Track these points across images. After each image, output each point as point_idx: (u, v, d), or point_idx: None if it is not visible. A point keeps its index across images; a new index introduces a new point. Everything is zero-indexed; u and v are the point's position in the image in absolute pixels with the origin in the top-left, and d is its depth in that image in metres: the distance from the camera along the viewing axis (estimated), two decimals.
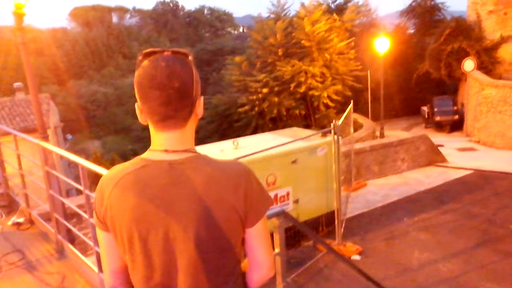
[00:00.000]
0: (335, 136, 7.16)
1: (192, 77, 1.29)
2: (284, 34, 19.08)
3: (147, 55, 1.29)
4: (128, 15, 52.44)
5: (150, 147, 1.34)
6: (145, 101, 1.27)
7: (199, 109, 1.35)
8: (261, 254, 1.37)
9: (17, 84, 18.60)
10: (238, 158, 6.26)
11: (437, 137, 15.72)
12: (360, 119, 17.05)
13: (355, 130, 14.21)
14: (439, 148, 12.92)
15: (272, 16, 21.97)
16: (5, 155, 5.79)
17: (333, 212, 7.41)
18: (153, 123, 1.31)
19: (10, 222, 5.00)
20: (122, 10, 51.88)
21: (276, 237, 2.32)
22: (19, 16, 5.46)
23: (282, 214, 2.34)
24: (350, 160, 10.19)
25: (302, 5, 20.55)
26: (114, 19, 51.96)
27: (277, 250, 2.35)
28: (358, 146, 11.23)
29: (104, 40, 45.97)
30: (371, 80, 18.28)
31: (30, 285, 3.75)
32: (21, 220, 4.98)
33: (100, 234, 1.40)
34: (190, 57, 1.32)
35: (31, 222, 4.99)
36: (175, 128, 1.30)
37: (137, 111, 1.32)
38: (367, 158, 11.22)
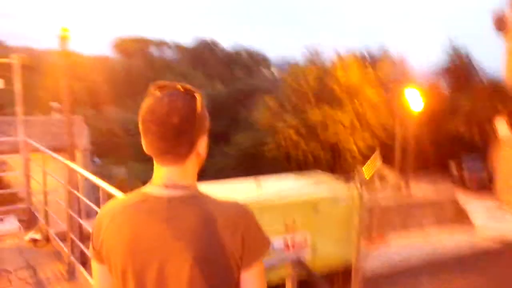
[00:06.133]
0: (359, 187, 7.05)
1: (194, 115, 1.28)
2: (317, 81, 19.31)
3: (156, 88, 1.30)
4: (167, 49, 54.28)
5: (151, 181, 1.33)
6: (144, 134, 1.28)
7: (201, 148, 1.34)
8: None
9: (54, 104, 19.17)
10: (259, 200, 6.22)
11: (464, 196, 15.25)
12: (387, 171, 16.79)
13: (381, 182, 13.97)
14: (467, 208, 12.51)
15: (307, 62, 22.31)
16: (33, 171, 5.91)
17: (351, 265, 7.18)
18: (153, 156, 1.31)
19: (27, 238, 5.03)
20: (161, 44, 53.78)
21: (288, 285, 2.22)
22: (63, 39, 5.71)
23: (298, 263, 2.25)
24: (373, 214, 9.96)
25: (337, 54, 20.85)
26: (154, 51, 53.85)
27: None
28: (382, 200, 11.00)
29: (142, 71, 47.49)
30: (401, 134, 18.12)
31: None
32: (38, 236, 5.01)
33: (95, 265, 1.38)
34: (197, 95, 1.31)
35: (47, 239, 5.01)
36: (173, 164, 1.30)
37: (142, 143, 1.32)
38: (391, 214, 10.96)
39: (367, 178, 7.46)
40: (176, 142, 1.26)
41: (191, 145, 1.29)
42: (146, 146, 1.29)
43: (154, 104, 1.26)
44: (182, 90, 1.29)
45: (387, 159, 17.17)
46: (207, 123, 1.34)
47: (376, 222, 10.06)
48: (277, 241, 6.89)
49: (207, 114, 1.35)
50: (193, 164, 1.33)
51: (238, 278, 1.29)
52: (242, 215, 1.29)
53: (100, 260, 1.34)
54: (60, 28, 5.72)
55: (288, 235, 6.99)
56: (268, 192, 6.85)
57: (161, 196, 1.27)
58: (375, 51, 24.44)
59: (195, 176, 1.36)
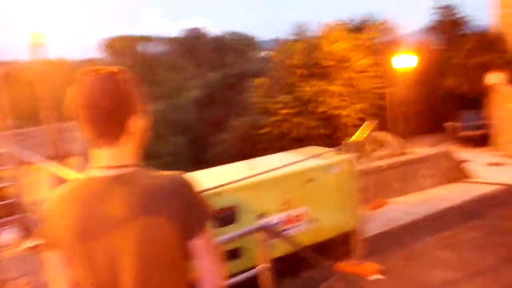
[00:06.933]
0: (348, 154, 7.11)
1: (123, 95, 1.33)
2: (303, 54, 19.21)
3: (83, 73, 1.35)
4: (155, 44, 53.92)
5: (90, 164, 1.37)
6: (78, 118, 1.32)
7: (136, 128, 1.38)
8: (206, 265, 1.36)
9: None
10: (250, 177, 6.28)
11: (463, 153, 15.29)
12: (384, 136, 16.81)
13: (379, 147, 14.01)
14: (466, 163, 12.56)
15: (293, 37, 22.19)
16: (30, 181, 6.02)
17: (351, 231, 7.28)
18: (89, 139, 1.35)
19: (25, 245, 5.15)
20: (150, 39, 53.42)
21: (259, 252, 2.30)
22: (36, 46, 5.74)
23: (265, 228, 2.33)
24: (370, 178, 10.03)
25: (321, 25, 20.73)
26: (143, 48, 53.48)
27: (262, 265, 2.33)
28: (377, 163, 11.06)
29: (132, 68, 47.30)
30: (395, 98, 18.10)
31: None
32: (35, 243, 5.12)
33: (49, 254, 1.43)
34: (124, 75, 1.36)
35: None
36: (108, 145, 1.34)
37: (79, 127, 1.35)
38: (387, 176, 11.02)
39: (359, 144, 7.50)
40: (107, 123, 1.30)
41: (121, 125, 1.33)
42: (82, 129, 1.34)
43: (82, 88, 1.31)
44: (108, 72, 1.34)
45: (383, 123, 17.19)
46: (138, 103, 1.39)
47: (373, 185, 10.13)
48: (275, 218, 7.00)
49: (138, 94, 1.40)
50: (129, 144, 1.37)
51: (185, 247, 1.34)
52: (180, 185, 1.34)
53: (52, 247, 1.39)
54: (32, 34, 5.73)
55: (285, 211, 7.08)
56: (259, 170, 6.90)
57: (99, 177, 1.32)
58: (360, 19, 24.27)
59: (135, 156, 1.40)
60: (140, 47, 52.25)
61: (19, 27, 5.88)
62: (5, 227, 6.10)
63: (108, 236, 1.28)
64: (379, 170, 10.73)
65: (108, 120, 1.30)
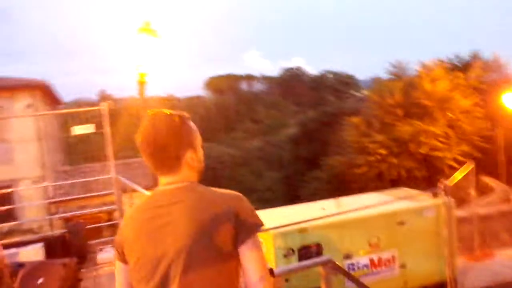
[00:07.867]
0: (445, 197, 6.67)
1: (178, 134, 1.52)
2: (402, 93, 18.65)
3: (149, 116, 1.57)
4: (256, 83, 56.04)
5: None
6: (141, 154, 1.55)
7: (191, 160, 1.55)
8: (252, 273, 1.44)
9: None
10: (336, 215, 6.19)
11: None
12: (492, 182, 15.44)
13: (485, 193, 12.93)
14: None
15: (392, 76, 21.70)
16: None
17: (445, 281, 6.73)
18: (151, 170, 1.57)
19: None
20: (251, 78, 55.75)
21: (323, 287, 2.28)
22: (141, 85, 6.36)
23: (329, 263, 2.30)
24: (473, 226, 9.22)
25: (422, 63, 20.00)
26: (244, 86, 55.91)
27: None
28: (483, 210, 10.15)
29: (233, 105, 49.50)
30: (505, 140, 16.61)
31: None
32: None
33: (117, 265, 1.61)
34: (178, 117, 1.55)
35: None
36: (167, 174, 1.54)
37: None
38: (495, 225, 10.04)
39: (459, 188, 7.01)
40: (163, 158, 1.51)
41: (177, 159, 1.52)
42: (144, 161, 1.56)
43: (144, 129, 1.54)
44: (166, 114, 1.55)
45: (488, 168, 15.81)
46: (192, 139, 1.57)
47: (477, 233, 9.28)
48: (362, 260, 6.73)
49: (192, 132, 1.58)
50: (187, 174, 1.55)
51: (234, 254, 1.45)
52: (235, 196, 1.50)
53: (122, 259, 1.57)
54: (139, 73, 6.38)
55: (372, 253, 6.79)
56: (348, 209, 6.76)
57: (164, 189, 1.53)
58: (466, 56, 23.03)
59: (194, 179, 1.58)
60: (241, 86, 54.76)
61: (130, 67, 6.59)
62: (104, 247, 6.66)
63: (162, 235, 1.44)
64: (486, 217, 9.85)
65: (163, 154, 1.50)
